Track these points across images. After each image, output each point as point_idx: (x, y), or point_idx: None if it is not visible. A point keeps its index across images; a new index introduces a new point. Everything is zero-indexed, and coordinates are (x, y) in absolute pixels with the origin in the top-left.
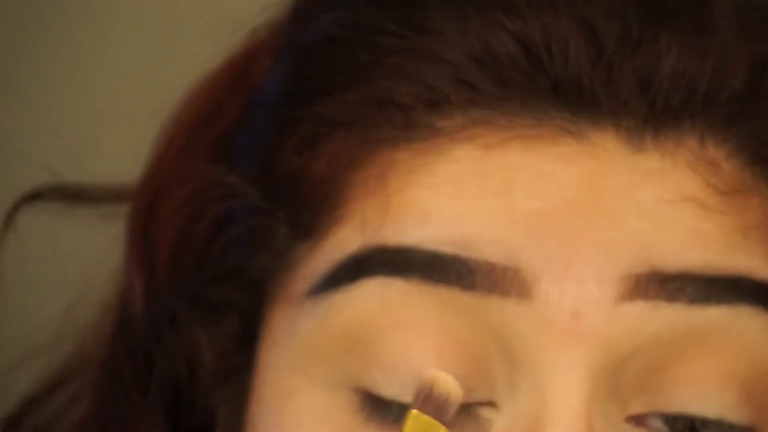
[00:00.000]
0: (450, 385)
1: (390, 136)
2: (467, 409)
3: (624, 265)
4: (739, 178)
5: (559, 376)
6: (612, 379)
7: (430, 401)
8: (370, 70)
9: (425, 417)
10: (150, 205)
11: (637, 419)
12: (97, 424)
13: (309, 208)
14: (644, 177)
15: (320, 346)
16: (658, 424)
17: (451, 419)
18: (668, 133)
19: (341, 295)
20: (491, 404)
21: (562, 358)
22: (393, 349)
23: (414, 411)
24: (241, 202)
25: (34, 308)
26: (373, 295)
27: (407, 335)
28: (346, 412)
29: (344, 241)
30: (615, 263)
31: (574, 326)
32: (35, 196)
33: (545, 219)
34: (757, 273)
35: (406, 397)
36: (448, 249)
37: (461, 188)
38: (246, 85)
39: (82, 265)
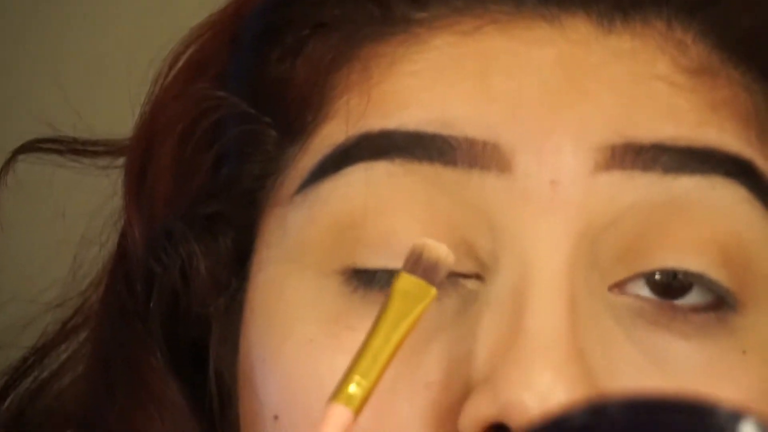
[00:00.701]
0: (440, 251)
1: (371, 32)
2: (454, 281)
3: (599, 137)
4: (706, 59)
5: (540, 244)
6: (592, 248)
7: (419, 264)
8: None
9: (414, 278)
10: (146, 147)
11: (620, 287)
12: (100, 355)
13: (296, 111)
14: (616, 56)
15: (309, 238)
16: (640, 290)
17: (442, 283)
18: (636, 17)
19: (327, 184)
20: (477, 277)
21: (543, 227)
22: (379, 229)
23: (403, 272)
24: (230, 112)
25: (37, 253)
26: (358, 180)
27: (392, 215)
28: (333, 293)
29: (330, 135)
30: (590, 136)
31: (553, 195)
32: (33, 148)
33: (521, 98)
34: (728, 147)
35: (393, 266)
36: (429, 128)
37: (440, 73)
38: (238, 28)
39: (84, 215)
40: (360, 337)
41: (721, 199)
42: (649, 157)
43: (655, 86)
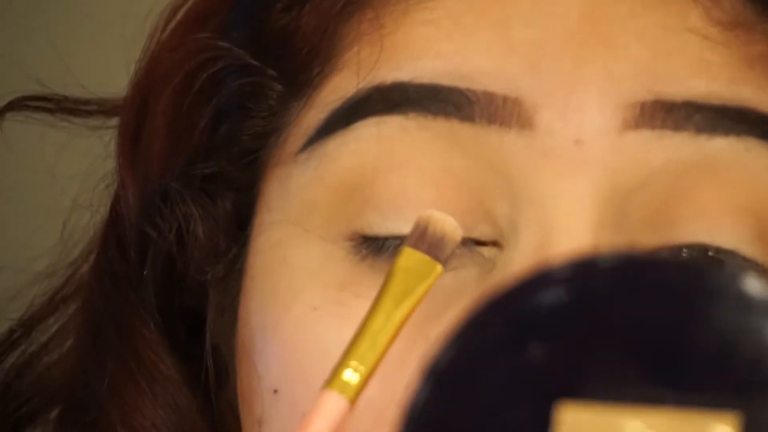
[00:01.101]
0: (447, 225)
1: None
2: (470, 249)
3: (627, 93)
4: (741, 12)
5: (563, 208)
6: (619, 211)
7: (424, 239)
8: None
9: (418, 254)
10: (141, 105)
11: None
12: (90, 326)
13: (302, 63)
14: (645, 7)
15: (315, 198)
16: None
17: (448, 259)
18: None
19: (336, 140)
20: (495, 244)
21: (566, 189)
22: (390, 189)
23: (406, 247)
24: (231, 63)
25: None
26: (369, 136)
27: (405, 174)
28: (339, 260)
29: (339, 88)
30: (618, 91)
31: (578, 154)
32: (21, 106)
33: (544, 49)
34: (764, 106)
35: (404, 232)
36: (445, 80)
37: (458, 22)
38: None
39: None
40: (368, 305)
41: (755, 162)
42: (681, 115)
43: (687, 38)
